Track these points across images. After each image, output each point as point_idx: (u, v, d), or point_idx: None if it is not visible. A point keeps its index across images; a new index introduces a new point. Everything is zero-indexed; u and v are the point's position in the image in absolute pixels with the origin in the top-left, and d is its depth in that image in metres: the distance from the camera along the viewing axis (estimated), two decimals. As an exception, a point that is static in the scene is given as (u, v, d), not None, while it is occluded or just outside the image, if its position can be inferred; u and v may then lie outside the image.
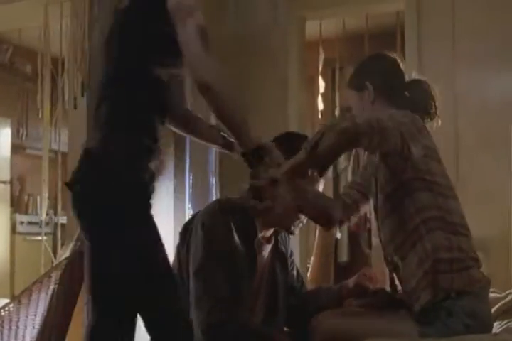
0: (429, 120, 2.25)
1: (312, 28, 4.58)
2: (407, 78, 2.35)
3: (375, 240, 4.96)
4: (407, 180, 2.05)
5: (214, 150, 3.92)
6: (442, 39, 3.96)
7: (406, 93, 2.28)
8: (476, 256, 2.06)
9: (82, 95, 3.04)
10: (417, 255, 2.04)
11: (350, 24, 5.15)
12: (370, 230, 5.36)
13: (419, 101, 2.23)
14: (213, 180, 3.87)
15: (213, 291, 1.97)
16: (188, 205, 3.60)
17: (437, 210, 2.05)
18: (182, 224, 3.55)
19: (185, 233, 2.13)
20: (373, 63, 2.35)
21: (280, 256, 2.34)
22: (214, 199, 3.84)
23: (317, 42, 4.92)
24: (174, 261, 2.15)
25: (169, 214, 3.56)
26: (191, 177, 3.64)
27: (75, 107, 3.11)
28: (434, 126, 2.27)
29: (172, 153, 3.63)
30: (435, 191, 2.05)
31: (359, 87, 2.26)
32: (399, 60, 2.33)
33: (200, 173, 3.76)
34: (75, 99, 3.11)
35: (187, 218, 3.57)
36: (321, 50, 4.90)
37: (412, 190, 2.05)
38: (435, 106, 2.26)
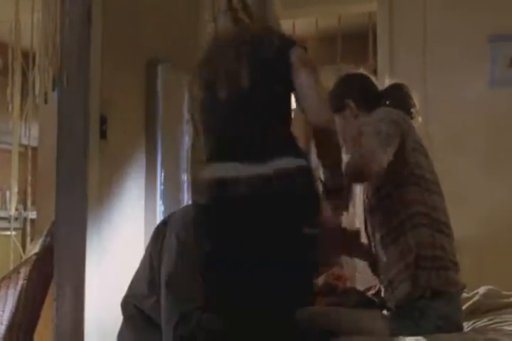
0: (410, 119, 2.32)
1: (286, 27, 4.57)
2: (387, 82, 2.44)
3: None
4: (395, 173, 2.09)
5: (185, 146, 3.92)
6: (414, 39, 4.00)
7: (384, 101, 2.35)
8: (455, 260, 2.10)
9: (53, 90, 3.01)
10: (398, 248, 2.08)
11: (323, 24, 5.18)
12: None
13: (400, 104, 2.30)
14: (185, 177, 3.86)
15: (182, 305, 1.94)
16: (159, 202, 3.59)
17: (423, 206, 2.10)
18: (152, 221, 3.57)
19: (158, 236, 2.09)
20: (346, 83, 2.44)
21: None
22: (185, 196, 3.84)
23: (290, 41, 4.93)
24: (145, 264, 2.11)
25: (140, 210, 3.55)
26: (162, 174, 3.63)
27: (46, 102, 3.08)
28: (416, 124, 2.34)
29: (143, 148, 3.62)
30: (423, 186, 2.11)
31: (339, 107, 2.34)
32: (368, 74, 2.43)
33: (172, 169, 3.75)
34: (45, 93, 3.08)
35: (158, 214, 3.58)
36: (294, 49, 4.90)
37: (400, 184, 2.10)
38: (415, 105, 2.34)
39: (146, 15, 3.72)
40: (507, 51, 3.83)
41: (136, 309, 2.00)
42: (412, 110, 2.33)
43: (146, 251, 2.11)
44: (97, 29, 3.24)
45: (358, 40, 5.15)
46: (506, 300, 2.49)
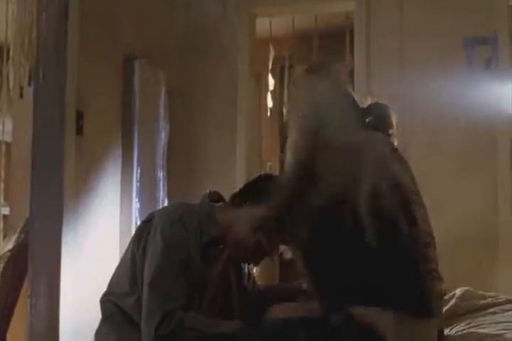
0: None
1: (262, 25, 4.58)
2: (369, 100, 2.43)
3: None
4: None
5: (162, 143, 3.89)
6: (391, 40, 4.01)
7: (367, 119, 2.33)
8: (438, 271, 2.10)
9: (29, 85, 2.96)
10: None
11: (301, 23, 5.17)
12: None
13: (378, 124, 2.29)
14: (161, 174, 3.83)
15: (166, 303, 1.90)
16: (134, 199, 3.56)
17: None
18: (128, 218, 3.53)
19: (142, 233, 2.05)
20: None
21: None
22: (161, 194, 3.81)
23: (267, 40, 4.93)
24: (127, 261, 2.06)
25: (115, 207, 3.51)
26: (139, 171, 3.60)
27: (21, 96, 3.03)
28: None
29: (119, 145, 3.58)
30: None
31: None
32: (352, 94, 2.38)
33: (148, 167, 3.72)
34: (21, 88, 3.03)
35: (133, 212, 3.54)
36: (270, 48, 4.90)
37: None
38: (393, 127, 2.32)
39: (121, 12, 3.69)
40: (483, 53, 3.86)
41: (116, 307, 1.96)
42: (390, 132, 2.32)
43: (128, 248, 2.07)
44: (74, 23, 3.20)
45: (334, 40, 5.15)
46: (482, 302, 2.51)
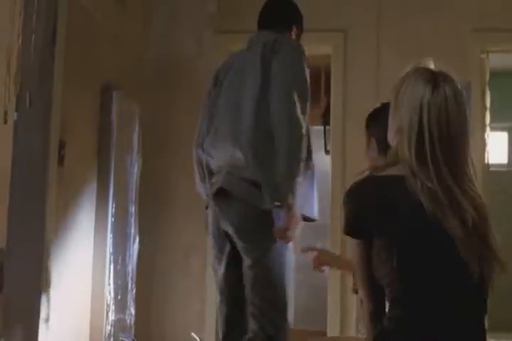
0: None
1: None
2: None
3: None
4: None
5: (134, 177, 3.75)
6: (367, 84, 4.06)
7: None
8: None
9: (17, 110, 2.79)
10: None
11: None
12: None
13: None
14: (132, 209, 3.68)
15: None
16: (109, 234, 3.40)
17: None
18: (102, 253, 3.36)
19: None
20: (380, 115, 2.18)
21: None
22: (132, 229, 3.65)
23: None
24: None
25: (89, 241, 3.34)
26: (114, 205, 3.44)
27: (5, 122, 2.85)
28: None
29: (95, 180, 3.42)
30: None
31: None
32: None
33: (122, 201, 3.57)
34: (5, 113, 2.85)
35: (108, 247, 3.38)
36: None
37: None
38: None
39: (100, 43, 3.58)
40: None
41: None
42: None
43: None
44: (60, 49, 3.07)
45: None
46: None
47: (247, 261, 2.43)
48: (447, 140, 1.60)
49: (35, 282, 2.75)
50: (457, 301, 1.58)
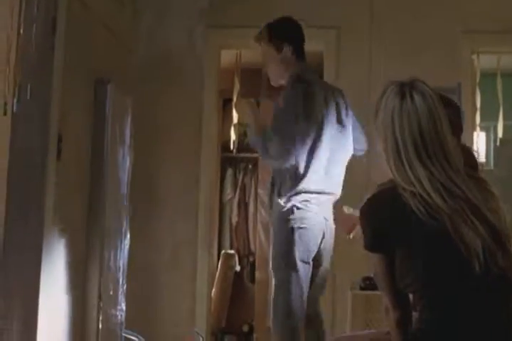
0: None
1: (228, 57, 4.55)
2: None
3: (258, 274, 4.96)
4: None
5: (126, 171, 3.71)
6: (359, 88, 4.04)
7: None
8: None
9: (19, 101, 2.73)
10: None
11: (250, 58, 5.14)
12: (254, 263, 5.35)
13: None
14: (125, 204, 3.64)
15: None
16: (102, 229, 3.35)
17: None
18: (94, 247, 3.31)
19: None
20: None
21: None
22: (125, 224, 3.61)
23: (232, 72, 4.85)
24: None
25: (82, 239, 3.30)
26: (107, 200, 3.40)
27: (5, 113, 2.78)
28: None
29: (89, 174, 3.38)
30: None
31: None
32: None
33: (115, 197, 3.53)
34: (5, 104, 2.79)
35: (100, 242, 3.33)
36: (236, 81, 4.83)
37: None
38: None
39: (94, 38, 3.53)
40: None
41: None
42: None
43: None
44: (60, 41, 3.02)
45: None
46: None
47: None
48: (423, 145, 1.64)
49: (34, 276, 2.70)
50: (481, 297, 1.62)
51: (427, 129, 1.66)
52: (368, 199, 1.71)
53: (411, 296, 1.71)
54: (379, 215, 1.68)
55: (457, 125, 2.20)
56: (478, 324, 1.60)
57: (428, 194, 1.62)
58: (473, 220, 1.61)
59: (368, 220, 1.71)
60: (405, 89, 1.70)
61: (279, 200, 2.78)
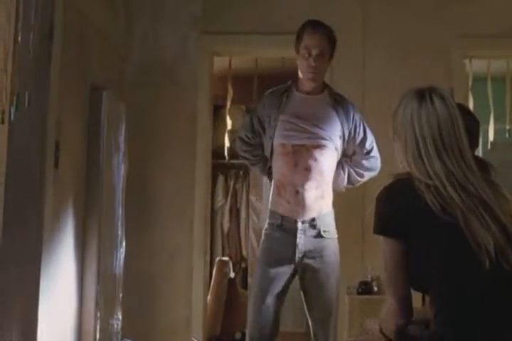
0: None
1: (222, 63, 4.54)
2: None
3: (251, 280, 4.95)
4: None
5: (121, 179, 3.69)
6: (352, 90, 4.05)
7: None
8: None
9: (17, 109, 2.70)
10: None
11: (241, 64, 5.15)
12: (246, 269, 5.33)
13: None
14: (120, 212, 3.62)
15: None
16: (98, 237, 3.33)
17: None
18: (91, 256, 3.28)
19: None
20: None
21: None
22: (120, 232, 3.59)
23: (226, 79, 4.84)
24: None
25: (78, 252, 3.27)
26: (103, 208, 3.37)
27: (3, 122, 2.75)
28: None
29: (85, 182, 3.35)
30: None
31: None
32: None
33: (110, 204, 3.51)
34: (2, 112, 2.76)
35: (96, 255, 3.31)
36: (229, 87, 4.82)
37: None
38: None
39: (87, 42, 3.51)
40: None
41: None
42: None
43: None
44: (57, 47, 3.00)
45: (274, 82, 5.18)
46: None
47: None
48: (441, 141, 1.71)
49: (32, 284, 2.67)
50: (493, 295, 1.64)
51: (446, 128, 1.73)
52: (386, 187, 1.76)
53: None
54: (395, 202, 1.73)
55: (474, 137, 2.26)
56: (492, 322, 1.62)
57: (444, 187, 1.67)
58: (485, 217, 1.65)
59: (383, 205, 1.74)
60: (425, 92, 1.77)
61: None
